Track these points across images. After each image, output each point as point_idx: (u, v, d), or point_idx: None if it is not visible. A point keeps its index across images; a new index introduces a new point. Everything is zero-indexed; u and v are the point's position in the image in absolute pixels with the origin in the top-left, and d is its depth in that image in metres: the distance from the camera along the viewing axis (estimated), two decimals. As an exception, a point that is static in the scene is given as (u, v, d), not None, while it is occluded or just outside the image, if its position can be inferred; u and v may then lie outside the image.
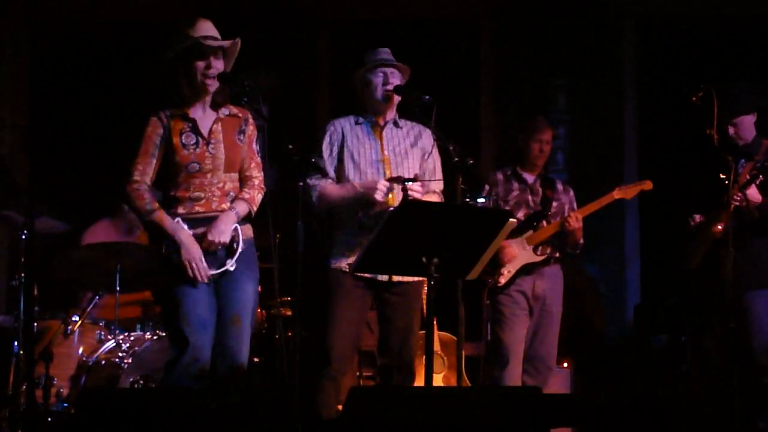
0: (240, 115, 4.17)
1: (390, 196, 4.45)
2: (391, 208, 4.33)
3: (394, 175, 4.55)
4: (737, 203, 4.84)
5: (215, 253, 4.05)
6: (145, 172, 4.02)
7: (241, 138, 4.15)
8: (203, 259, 4.00)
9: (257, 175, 4.19)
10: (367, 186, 4.47)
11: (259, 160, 4.21)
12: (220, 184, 4.09)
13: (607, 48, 7.21)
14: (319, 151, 4.59)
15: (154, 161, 4.03)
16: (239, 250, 4.08)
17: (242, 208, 4.11)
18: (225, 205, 4.09)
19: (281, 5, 7.18)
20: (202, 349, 3.97)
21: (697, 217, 5.18)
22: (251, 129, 4.19)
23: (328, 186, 4.55)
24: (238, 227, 4.10)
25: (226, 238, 4.05)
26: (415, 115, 4.59)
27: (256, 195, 4.17)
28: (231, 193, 4.12)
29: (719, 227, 5.00)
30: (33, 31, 7.33)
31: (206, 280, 4.00)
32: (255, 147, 4.21)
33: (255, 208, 4.17)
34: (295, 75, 7.16)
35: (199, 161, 4.04)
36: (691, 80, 5.25)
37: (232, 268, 4.07)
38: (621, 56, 7.26)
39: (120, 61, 7.13)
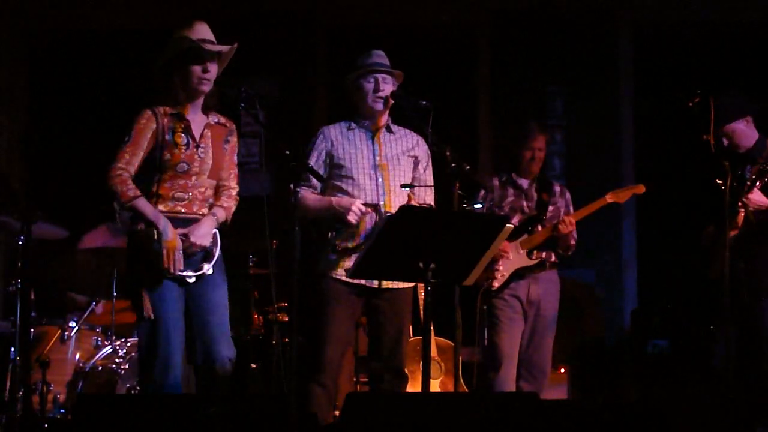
0: (227, 125, 4.22)
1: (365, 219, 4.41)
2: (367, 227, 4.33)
3: (391, 182, 4.51)
4: (741, 210, 4.85)
5: (193, 256, 4.06)
6: (131, 162, 4.02)
7: (226, 147, 4.19)
8: (181, 252, 3.99)
9: (234, 186, 4.25)
10: (343, 205, 4.41)
11: (236, 171, 4.25)
12: (202, 189, 4.13)
13: (603, 54, 7.22)
14: (306, 157, 4.53)
15: (142, 154, 4.03)
16: (217, 254, 4.12)
17: (221, 215, 4.17)
18: (204, 210, 4.13)
19: (279, 11, 7.19)
20: (174, 354, 3.96)
21: (710, 228, 5.17)
22: (234, 140, 4.24)
23: (308, 196, 4.50)
24: (217, 233, 4.14)
25: (206, 242, 4.08)
26: (411, 120, 4.58)
27: (232, 206, 4.23)
28: (209, 200, 4.16)
29: (731, 234, 4.98)
30: (31, 37, 7.34)
31: (177, 273, 3.99)
32: (235, 159, 4.24)
33: (230, 219, 4.21)
34: (293, 81, 7.16)
35: (188, 162, 4.06)
36: (687, 86, 5.26)
37: (209, 272, 4.10)
38: (617, 62, 7.27)
39: (118, 68, 7.12)
